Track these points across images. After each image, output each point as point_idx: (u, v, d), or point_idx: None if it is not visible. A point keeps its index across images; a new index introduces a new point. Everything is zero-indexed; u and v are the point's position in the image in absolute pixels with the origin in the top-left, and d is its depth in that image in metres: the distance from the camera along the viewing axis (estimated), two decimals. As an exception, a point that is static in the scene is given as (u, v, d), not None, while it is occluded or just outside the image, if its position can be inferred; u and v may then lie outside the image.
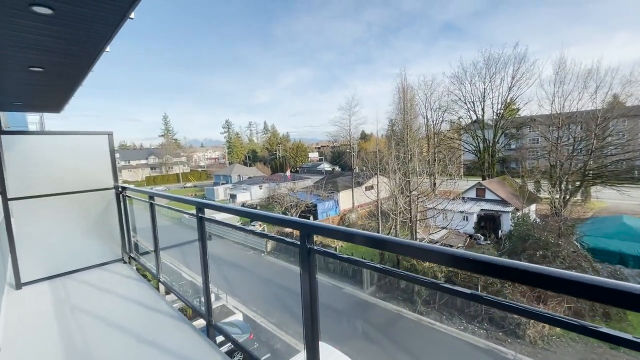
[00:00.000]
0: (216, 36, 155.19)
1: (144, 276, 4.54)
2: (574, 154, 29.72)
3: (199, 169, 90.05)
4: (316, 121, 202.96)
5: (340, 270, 21.42)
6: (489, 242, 23.66)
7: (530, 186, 31.05)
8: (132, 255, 4.87)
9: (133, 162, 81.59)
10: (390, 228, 20.61)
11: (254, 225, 31.76)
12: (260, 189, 46.50)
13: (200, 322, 3.49)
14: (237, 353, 9.70)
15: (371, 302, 17.65)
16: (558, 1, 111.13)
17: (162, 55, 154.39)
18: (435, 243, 20.57)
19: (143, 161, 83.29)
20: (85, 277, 4.44)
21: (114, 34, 3.94)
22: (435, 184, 25.14)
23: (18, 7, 3.24)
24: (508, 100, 39.09)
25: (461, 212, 25.54)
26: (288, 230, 28.45)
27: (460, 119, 44.23)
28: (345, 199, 37.28)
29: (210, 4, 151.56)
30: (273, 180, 48.83)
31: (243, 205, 43.54)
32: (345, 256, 1.54)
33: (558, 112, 30.21)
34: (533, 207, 28.38)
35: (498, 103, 39.39)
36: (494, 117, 40.06)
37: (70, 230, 4.56)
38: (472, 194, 29.74)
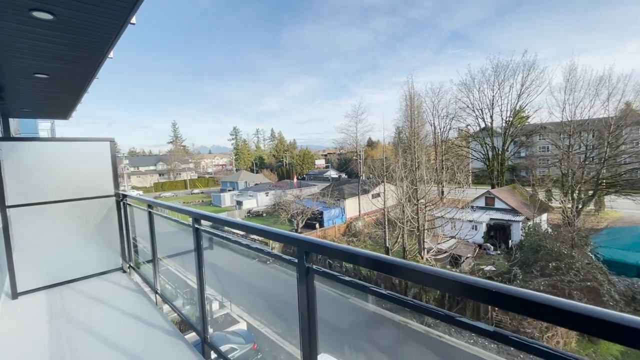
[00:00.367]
0: (226, 45, 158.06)
1: (144, 285, 4.41)
2: (587, 163, 29.04)
3: (207, 176, 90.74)
4: (323, 128, 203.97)
5: (346, 279, 21.10)
6: (499, 252, 23.08)
7: (541, 195, 30.39)
8: (131, 264, 4.75)
9: (142, 169, 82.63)
10: (398, 237, 20.26)
11: (259, 232, 31.70)
12: (267, 195, 46.50)
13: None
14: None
15: (378, 312, 17.25)
16: (567, 9, 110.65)
17: (173, 64, 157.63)
18: (444, 253, 20.13)
19: (152, 167, 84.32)
20: (83, 287, 4.33)
21: (115, 39, 3.91)
22: (443, 192, 24.74)
23: (19, 12, 3.21)
24: (517, 108, 38.59)
25: (470, 221, 25.04)
26: (294, 237, 28.28)
27: (469, 127, 43.78)
28: (352, 207, 36.97)
29: (220, 14, 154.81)
30: (279, 187, 48.83)
31: (249, 212, 43.55)
32: (348, 279, 1.38)
33: (569, 119, 29.68)
34: (544, 216, 27.69)
35: (507, 110, 38.92)
36: (503, 124, 39.53)
37: (70, 238, 4.47)
38: (481, 202, 29.19)
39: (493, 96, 39.17)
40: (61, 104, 6.89)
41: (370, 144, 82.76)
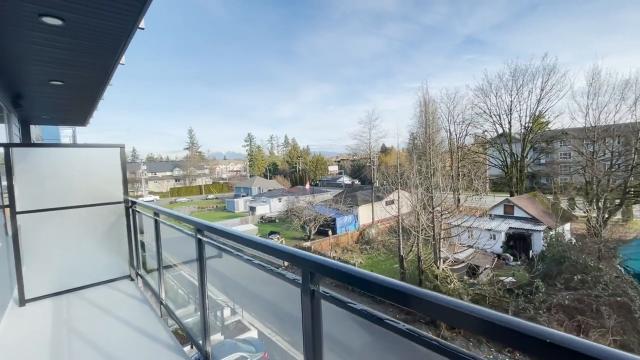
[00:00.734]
0: (241, 53, 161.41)
1: (151, 295, 4.31)
2: (613, 170, 27.71)
3: (221, 181, 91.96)
4: (336, 135, 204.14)
5: (359, 288, 20.64)
6: (519, 262, 22.12)
7: (564, 203, 29.13)
8: (139, 272, 4.67)
9: (159, 174, 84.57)
10: (412, 245, 19.72)
11: (272, 238, 31.61)
12: (280, 201, 46.58)
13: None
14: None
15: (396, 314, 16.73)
16: (586, 11, 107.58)
17: (190, 72, 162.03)
18: (461, 263, 19.45)
19: (168, 173, 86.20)
20: (90, 295, 4.27)
21: (125, 45, 3.87)
22: (459, 199, 24.05)
23: (29, 18, 3.19)
24: (537, 113, 37.36)
25: (488, 230, 24.19)
26: (307, 245, 28.02)
27: (486, 133, 42.66)
28: (365, 214, 36.48)
29: (236, 24, 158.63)
30: (292, 193, 48.86)
31: (262, 217, 43.67)
32: (361, 308, 1.18)
33: (593, 125, 28.50)
34: (567, 226, 26.48)
35: (526, 116, 37.72)
36: (522, 130, 38.32)
37: (79, 245, 4.44)
38: (500, 210, 28.22)
39: (511, 101, 38.12)
40: (78, 110, 7.01)
41: (384, 150, 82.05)
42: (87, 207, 4.42)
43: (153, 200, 68.74)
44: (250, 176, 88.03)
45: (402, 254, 19.86)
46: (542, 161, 45.33)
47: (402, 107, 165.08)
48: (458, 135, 41.15)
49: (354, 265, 22.38)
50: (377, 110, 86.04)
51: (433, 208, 18.88)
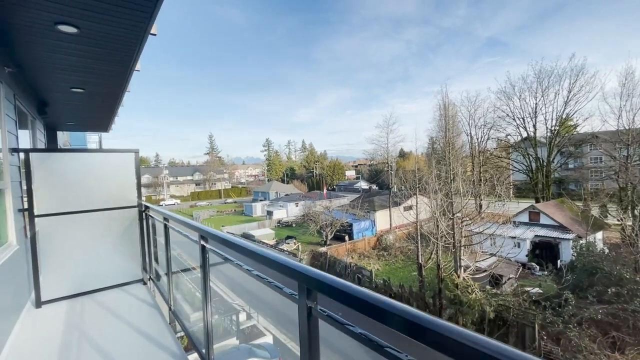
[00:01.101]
0: (260, 60, 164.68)
1: (161, 299, 4.31)
2: (649, 175, 25.94)
3: (240, 186, 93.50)
4: (354, 139, 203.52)
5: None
6: (545, 272, 20.99)
7: (595, 211, 27.49)
8: (151, 276, 4.70)
9: (180, 178, 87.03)
10: (431, 253, 19.13)
11: (288, 243, 31.65)
12: (297, 206, 46.68)
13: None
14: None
15: (402, 336, 16.19)
16: (616, 11, 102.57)
17: (211, 79, 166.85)
18: (483, 272, 18.67)
19: (189, 177, 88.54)
20: (104, 298, 4.32)
21: (139, 51, 3.92)
22: (481, 205, 23.18)
23: (46, 26, 3.29)
24: (564, 116, 35.69)
25: (512, 237, 23.15)
26: (324, 250, 27.79)
27: (509, 137, 41.12)
28: (383, 219, 35.89)
29: (255, 31, 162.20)
30: (309, 197, 48.89)
31: (279, 222, 43.88)
32: (360, 332, 1.04)
33: (626, 127, 26.87)
34: (599, 234, 24.94)
35: (552, 119, 36.09)
36: (548, 134, 36.66)
37: (94, 248, 4.51)
38: (525, 217, 26.99)
39: (536, 104, 36.61)
40: (99, 117, 7.24)
41: (402, 154, 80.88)
42: (102, 211, 4.50)
43: (174, 204, 70.79)
44: (268, 180, 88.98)
45: (420, 261, 19.30)
46: (571, 166, 43.17)
47: (421, 111, 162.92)
48: (479, 139, 39.89)
49: (371, 272, 21.96)
50: (396, 114, 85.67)
51: (453, 214, 18.26)
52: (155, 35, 3.62)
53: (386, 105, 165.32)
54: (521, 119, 37.97)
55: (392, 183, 43.37)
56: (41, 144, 6.45)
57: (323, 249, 27.67)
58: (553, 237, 23.72)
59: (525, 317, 15.07)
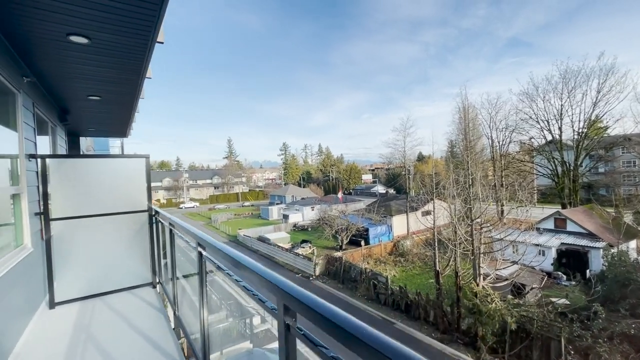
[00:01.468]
0: (277, 65, 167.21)
1: (169, 303, 4.36)
2: (689, 180, 24.21)
3: (257, 189, 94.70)
4: (371, 143, 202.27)
5: (392, 302, 19.77)
6: (573, 283, 19.88)
7: (628, 218, 25.86)
8: (160, 280, 4.76)
9: (199, 182, 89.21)
10: (449, 260, 18.55)
11: (303, 247, 31.61)
12: (312, 210, 46.67)
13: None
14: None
15: (425, 342, 15.74)
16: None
17: (229, 85, 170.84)
18: (504, 280, 17.91)
19: (208, 181, 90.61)
20: (114, 300, 4.41)
21: (147, 59, 4.00)
22: (502, 211, 22.32)
23: (59, 37, 3.42)
24: (593, 118, 33.94)
25: (536, 245, 22.12)
26: (339, 255, 27.58)
27: (532, 140, 39.49)
28: (400, 224, 35.24)
29: (272, 37, 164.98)
30: (325, 201, 48.78)
31: (295, 225, 43.98)
32: (332, 355, 0.97)
33: (662, 129, 25.26)
34: (632, 243, 23.42)
35: (580, 121, 34.39)
36: (575, 136, 34.95)
37: (106, 251, 4.63)
38: (550, 224, 25.76)
39: (562, 105, 35.04)
40: (116, 123, 7.50)
41: (421, 158, 79.44)
42: (114, 215, 4.62)
43: (193, 207, 72.53)
44: (285, 184, 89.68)
45: (438, 268, 18.75)
46: (601, 170, 40.98)
47: (440, 113, 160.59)
48: (501, 143, 38.56)
49: (387, 278, 21.52)
50: (413, 117, 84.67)
51: (472, 220, 17.65)
52: (162, 43, 3.70)
53: (404, 108, 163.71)
54: (545, 122, 36.46)
55: (409, 187, 42.62)
56: (62, 150, 6.74)
57: (338, 254, 27.42)
58: (581, 245, 22.48)
59: (551, 329, 14.26)
